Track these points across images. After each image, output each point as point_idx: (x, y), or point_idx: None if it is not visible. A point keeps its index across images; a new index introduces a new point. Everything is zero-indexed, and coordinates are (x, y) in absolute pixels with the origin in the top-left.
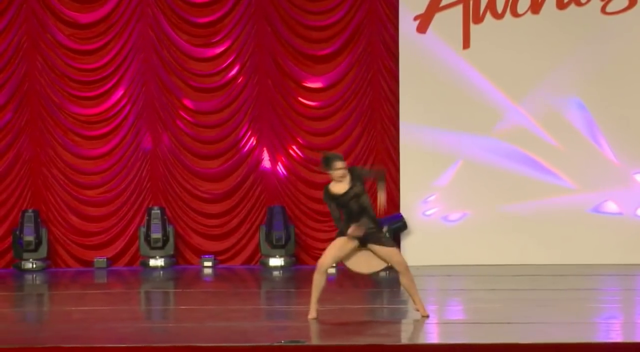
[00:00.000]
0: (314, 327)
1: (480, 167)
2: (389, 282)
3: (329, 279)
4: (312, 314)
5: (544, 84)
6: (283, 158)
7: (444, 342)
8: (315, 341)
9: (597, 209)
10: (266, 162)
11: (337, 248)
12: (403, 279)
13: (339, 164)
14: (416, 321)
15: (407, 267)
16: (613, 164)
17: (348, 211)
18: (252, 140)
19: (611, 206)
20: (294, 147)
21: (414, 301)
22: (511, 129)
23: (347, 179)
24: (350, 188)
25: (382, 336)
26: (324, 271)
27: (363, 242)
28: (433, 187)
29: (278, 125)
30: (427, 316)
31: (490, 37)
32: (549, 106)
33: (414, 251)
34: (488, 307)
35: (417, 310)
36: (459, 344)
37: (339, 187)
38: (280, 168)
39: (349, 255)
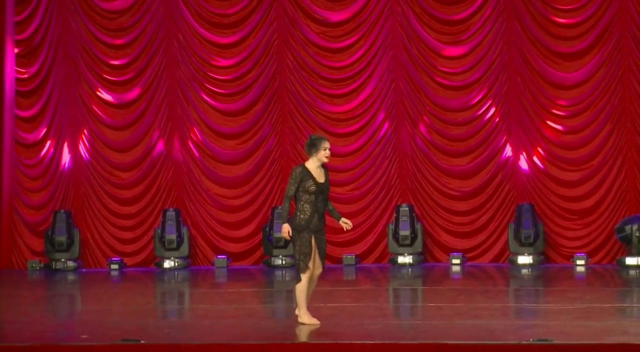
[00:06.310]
0: (560, 326)
1: None
2: (639, 281)
3: (578, 278)
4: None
5: None
6: (533, 156)
7: None
8: (562, 339)
9: None
10: (522, 162)
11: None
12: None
13: (327, 144)
14: None
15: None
16: None
17: (318, 201)
18: (502, 137)
19: None
20: (543, 144)
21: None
22: None
23: (324, 171)
24: (327, 180)
25: (632, 335)
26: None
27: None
28: None
29: (527, 123)
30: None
31: None
32: None
33: None
34: None
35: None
36: None
37: (318, 173)
38: (529, 166)
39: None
